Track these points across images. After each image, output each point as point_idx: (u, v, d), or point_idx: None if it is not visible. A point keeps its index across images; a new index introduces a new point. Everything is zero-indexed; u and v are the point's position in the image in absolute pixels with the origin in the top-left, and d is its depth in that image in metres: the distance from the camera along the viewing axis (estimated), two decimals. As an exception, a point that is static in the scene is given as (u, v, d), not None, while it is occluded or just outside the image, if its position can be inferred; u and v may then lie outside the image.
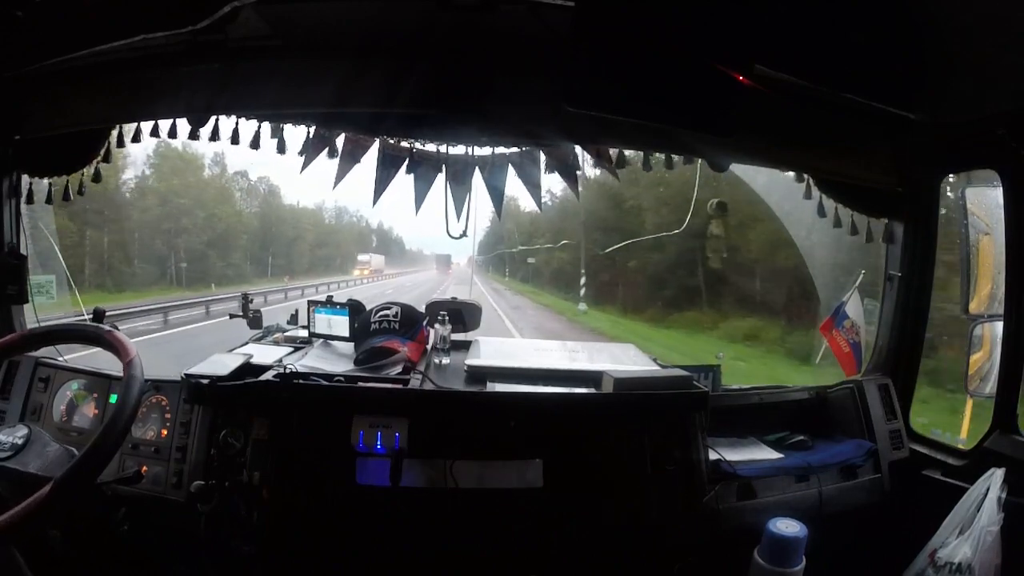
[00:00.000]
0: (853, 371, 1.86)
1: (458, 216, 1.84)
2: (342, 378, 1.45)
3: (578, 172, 1.84)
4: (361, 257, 29.94)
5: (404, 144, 1.79)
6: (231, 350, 1.67)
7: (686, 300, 12.58)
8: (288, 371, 1.40)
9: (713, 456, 1.45)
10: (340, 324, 1.79)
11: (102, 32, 1.40)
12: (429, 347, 1.76)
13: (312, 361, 1.61)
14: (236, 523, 1.28)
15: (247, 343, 1.82)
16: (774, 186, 2.22)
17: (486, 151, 1.81)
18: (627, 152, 1.80)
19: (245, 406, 1.34)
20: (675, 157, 1.77)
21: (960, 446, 1.62)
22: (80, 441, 1.36)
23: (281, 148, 1.73)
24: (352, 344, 1.75)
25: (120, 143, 1.69)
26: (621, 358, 1.75)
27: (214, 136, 1.67)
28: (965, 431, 2.16)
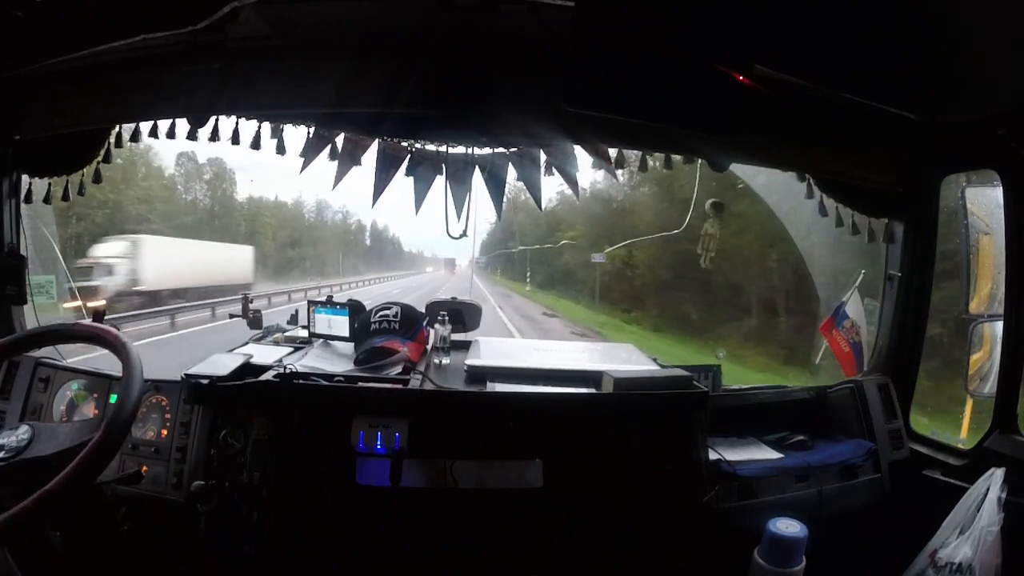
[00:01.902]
0: (853, 371, 1.86)
1: (458, 216, 1.84)
2: (342, 378, 1.45)
3: (577, 173, 1.84)
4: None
5: (404, 144, 1.79)
6: (231, 350, 1.67)
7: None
8: (288, 371, 1.40)
9: (713, 456, 1.45)
10: (340, 324, 1.79)
11: (102, 32, 1.40)
12: (429, 347, 1.76)
13: (312, 361, 1.61)
14: (236, 523, 1.28)
15: (247, 343, 1.82)
16: (774, 186, 2.22)
17: (486, 151, 1.80)
18: (627, 152, 1.80)
19: (245, 406, 1.34)
20: (675, 157, 1.77)
21: (960, 446, 1.62)
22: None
23: (281, 148, 1.73)
24: (352, 344, 1.74)
25: (120, 143, 1.69)
26: (621, 358, 1.75)
27: (214, 136, 1.67)
28: (965, 431, 2.16)
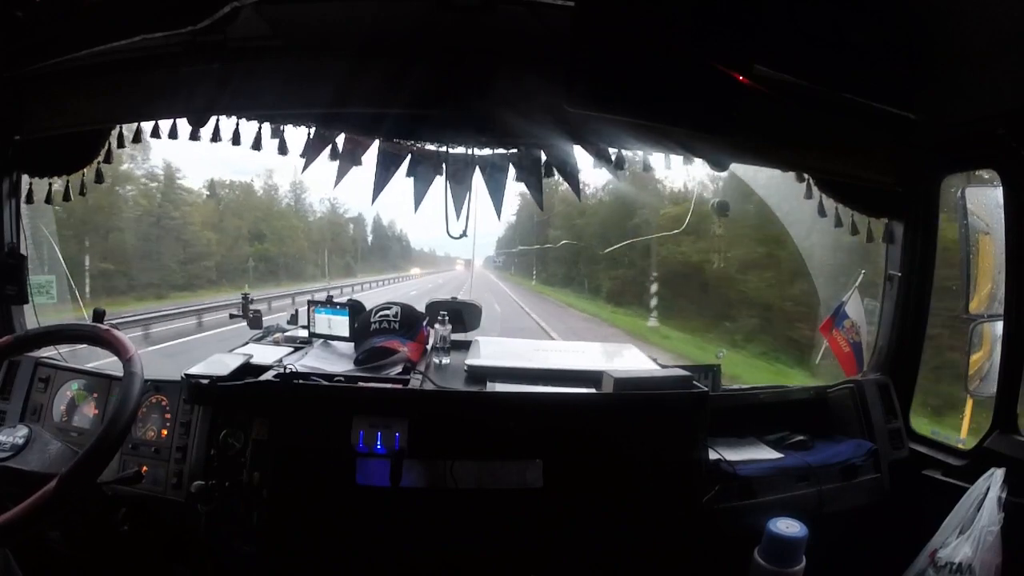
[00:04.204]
0: (853, 371, 1.86)
1: (458, 216, 1.84)
2: (342, 378, 1.45)
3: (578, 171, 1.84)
4: None
5: (404, 144, 1.79)
6: (231, 350, 1.67)
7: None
8: (288, 371, 1.40)
9: (713, 456, 1.45)
10: (340, 324, 1.79)
11: (102, 32, 1.40)
12: (429, 347, 1.76)
13: (312, 361, 1.61)
14: (236, 523, 1.28)
15: (247, 343, 1.82)
16: (774, 186, 2.22)
17: (486, 151, 1.80)
18: (627, 152, 1.80)
19: (245, 406, 1.34)
20: (675, 157, 1.77)
21: (960, 446, 1.62)
22: (80, 441, 1.36)
23: (282, 149, 1.73)
24: (352, 344, 1.75)
25: (120, 143, 1.69)
26: (621, 358, 1.75)
27: (215, 136, 1.67)
28: (965, 431, 2.16)
